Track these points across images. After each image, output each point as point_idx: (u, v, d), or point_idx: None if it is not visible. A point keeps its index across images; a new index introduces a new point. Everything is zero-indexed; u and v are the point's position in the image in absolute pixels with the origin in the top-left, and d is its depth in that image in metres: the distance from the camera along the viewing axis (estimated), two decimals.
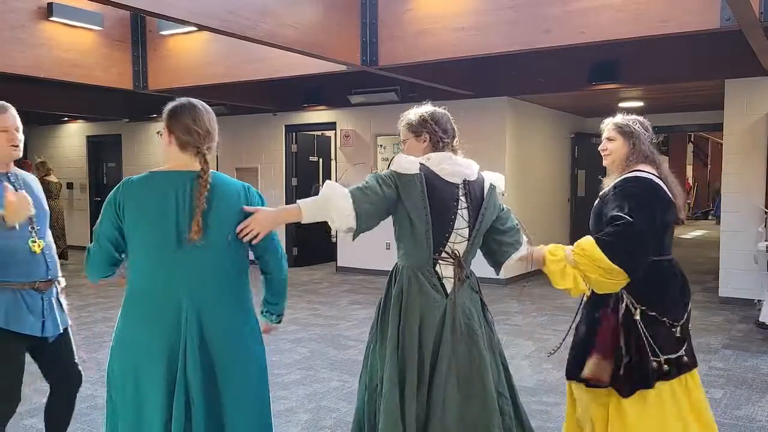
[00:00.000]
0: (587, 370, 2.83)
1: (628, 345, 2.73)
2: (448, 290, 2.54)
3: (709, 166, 21.91)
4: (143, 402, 2.24)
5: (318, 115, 10.30)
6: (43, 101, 9.88)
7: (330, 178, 11.13)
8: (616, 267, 2.58)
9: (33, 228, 2.78)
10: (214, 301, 2.30)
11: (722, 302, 7.57)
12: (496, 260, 2.77)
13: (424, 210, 2.47)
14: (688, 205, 21.24)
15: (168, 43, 7.19)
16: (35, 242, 2.75)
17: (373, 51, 5.94)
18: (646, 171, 2.74)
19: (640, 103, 9.60)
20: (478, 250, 2.73)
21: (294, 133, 10.65)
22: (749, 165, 7.39)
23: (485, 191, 2.63)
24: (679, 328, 2.75)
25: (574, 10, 5.10)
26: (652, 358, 2.70)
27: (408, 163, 2.52)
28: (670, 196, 2.74)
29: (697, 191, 22.71)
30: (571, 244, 2.82)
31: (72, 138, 13.55)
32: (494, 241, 2.70)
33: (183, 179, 2.31)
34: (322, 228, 11.27)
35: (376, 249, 9.79)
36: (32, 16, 6.14)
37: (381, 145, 10.25)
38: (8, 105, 2.78)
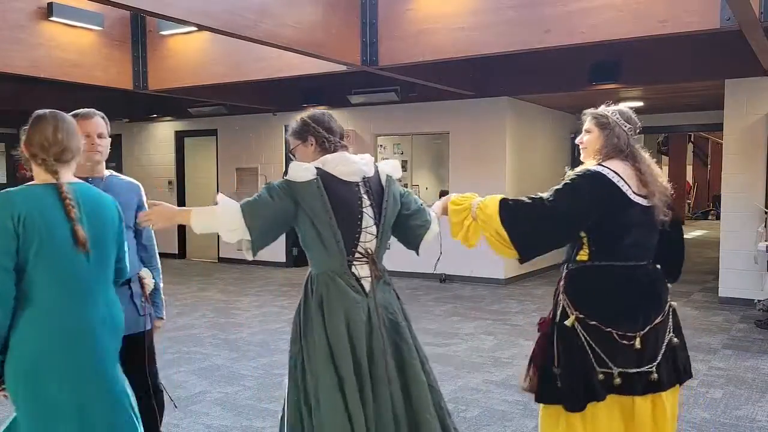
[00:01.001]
0: (527, 383, 2.68)
1: (559, 354, 2.52)
2: (367, 289, 2.55)
3: (709, 166, 21.89)
4: None
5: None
6: (43, 101, 9.81)
7: None
8: (505, 234, 2.46)
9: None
10: None
11: (722, 302, 7.57)
12: (411, 243, 2.74)
13: (327, 215, 2.45)
14: (688, 205, 21.40)
15: (168, 43, 7.19)
16: None
17: (373, 51, 5.94)
18: (609, 167, 2.53)
19: (640, 103, 9.58)
20: (393, 237, 2.75)
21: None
22: (749, 165, 7.39)
23: (383, 184, 2.62)
24: (637, 341, 2.48)
25: (574, 10, 5.10)
26: (598, 369, 2.47)
27: (302, 171, 2.49)
28: (632, 195, 2.51)
29: (697, 191, 22.70)
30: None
31: None
32: (404, 226, 2.70)
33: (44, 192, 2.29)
34: None
35: None
36: (32, 16, 6.13)
37: (381, 145, 10.25)
38: (95, 112, 2.81)
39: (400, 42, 5.84)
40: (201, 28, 5.16)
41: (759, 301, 6.83)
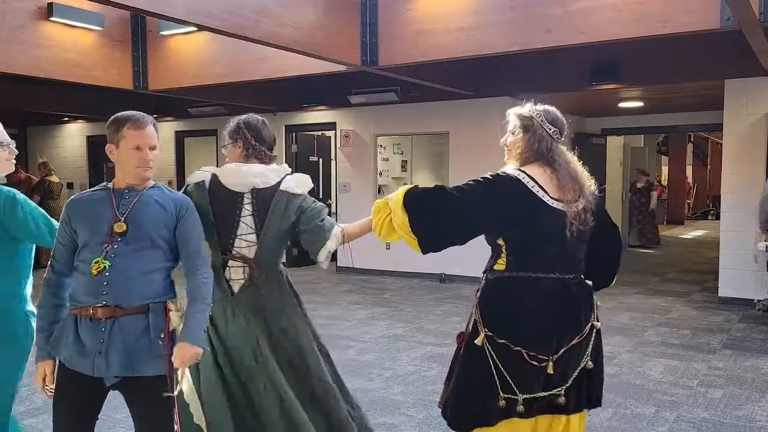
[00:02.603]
0: (440, 400, 2.53)
1: (466, 373, 2.40)
2: (235, 291, 2.72)
3: (708, 166, 21.89)
4: None
5: (318, 116, 10.30)
6: (43, 101, 9.88)
7: (330, 178, 11.17)
8: (408, 223, 2.32)
9: (110, 243, 2.28)
10: None
11: (722, 302, 7.57)
12: (311, 254, 2.79)
13: (208, 216, 2.65)
14: (688, 205, 21.41)
15: (168, 43, 7.19)
16: (98, 262, 2.25)
17: (373, 51, 5.94)
18: (527, 173, 2.39)
19: (640, 103, 9.60)
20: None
21: (294, 133, 10.65)
22: (749, 165, 7.39)
23: (275, 199, 2.72)
24: (549, 365, 2.32)
25: (574, 10, 5.10)
26: (502, 394, 2.32)
27: (199, 173, 2.78)
28: (549, 201, 2.35)
29: (697, 191, 22.70)
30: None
31: (72, 138, 13.55)
32: (303, 240, 2.79)
33: None
34: None
35: (376, 249, 9.79)
36: (32, 16, 6.13)
37: (381, 145, 10.26)
38: (146, 118, 2.37)
39: (400, 42, 5.84)
40: (201, 28, 5.16)
41: (759, 300, 6.83)
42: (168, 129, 12.18)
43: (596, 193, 2.54)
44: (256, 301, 2.71)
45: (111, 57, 6.97)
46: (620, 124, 11.33)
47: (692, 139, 21.09)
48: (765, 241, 6.89)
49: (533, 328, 2.34)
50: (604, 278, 2.66)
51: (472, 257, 9.75)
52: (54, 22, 6.27)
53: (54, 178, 10.76)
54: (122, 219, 2.30)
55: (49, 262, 2.40)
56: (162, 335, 2.29)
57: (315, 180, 10.98)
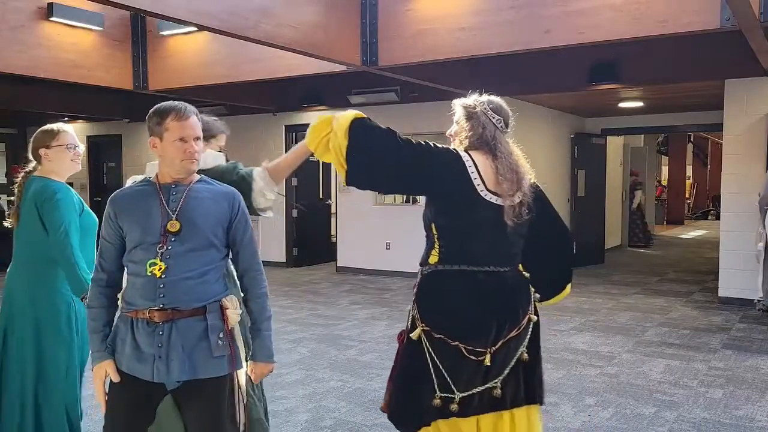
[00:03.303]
0: (384, 401, 2.47)
1: (405, 370, 2.35)
2: None
3: (709, 166, 21.90)
4: None
5: (318, 116, 10.29)
6: (43, 101, 9.87)
7: (330, 179, 11.16)
8: (344, 148, 2.23)
9: (164, 243, 2.19)
10: None
11: (722, 302, 7.57)
12: (251, 211, 2.66)
13: None
14: (688, 205, 21.41)
15: (168, 43, 7.19)
16: (155, 264, 2.17)
17: (373, 51, 5.94)
18: (471, 157, 2.36)
19: (640, 103, 9.60)
20: None
21: (294, 133, 10.65)
22: (749, 165, 7.39)
23: None
24: (487, 357, 2.27)
25: (574, 10, 5.10)
26: (438, 393, 2.26)
27: (149, 166, 2.85)
28: (484, 191, 2.29)
29: (697, 191, 22.71)
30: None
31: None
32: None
33: None
34: (323, 228, 11.29)
35: (376, 249, 9.80)
36: (32, 16, 6.13)
37: None
38: (190, 110, 2.26)
39: (400, 42, 5.84)
40: (201, 28, 5.16)
41: (758, 300, 6.83)
42: None
43: (535, 187, 2.49)
44: None
45: (111, 57, 6.97)
46: (620, 124, 11.33)
47: (692, 139, 21.11)
48: (765, 241, 6.89)
49: (470, 322, 2.30)
50: (556, 273, 2.58)
51: None
52: (54, 22, 6.27)
53: None
54: (174, 217, 2.20)
55: (96, 261, 2.32)
56: (221, 335, 2.21)
57: (315, 180, 11.09)
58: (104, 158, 13.19)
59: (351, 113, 2.30)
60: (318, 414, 4.20)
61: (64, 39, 6.46)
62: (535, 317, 2.43)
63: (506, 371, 2.32)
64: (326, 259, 10.91)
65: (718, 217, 11.58)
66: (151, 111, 2.27)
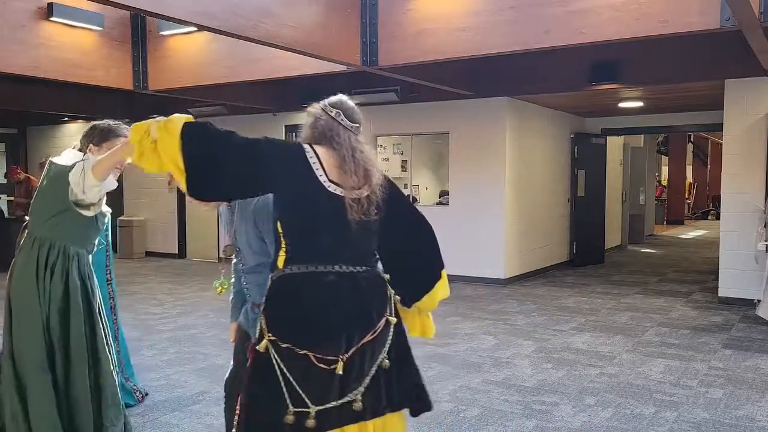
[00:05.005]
0: (234, 425, 2.29)
1: (253, 385, 2.17)
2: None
3: (709, 166, 21.91)
4: None
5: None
6: (43, 101, 9.88)
7: None
8: (178, 140, 2.06)
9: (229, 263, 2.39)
10: None
11: (722, 302, 7.57)
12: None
13: None
14: (687, 205, 21.42)
15: (168, 43, 7.19)
16: (222, 284, 2.38)
17: (373, 51, 5.94)
18: (312, 148, 2.27)
19: (640, 103, 9.60)
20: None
21: (294, 133, 10.65)
22: (749, 165, 7.39)
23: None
24: (339, 365, 2.12)
25: (574, 10, 5.10)
26: (291, 408, 2.10)
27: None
28: (326, 181, 2.19)
29: (697, 191, 22.71)
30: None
31: (72, 138, 13.51)
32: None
33: None
34: None
35: None
36: (32, 16, 6.13)
37: (381, 145, 10.25)
38: None
39: (400, 42, 5.84)
40: (201, 28, 5.16)
41: (758, 300, 6.83)
42: None
43: (388, 184, 2.34)
44: None
45: (111, 57, 6.97)
46: (620, 124, 11.34)
47: (692, 139, 21.11)
48: (765, 241, 6.90)
49: (318, 328, 2.15)
50: (419, 273, 2.41)
51: (472, 257, 9.76)
52: (54, 22, 6.27)
53: None
54: None
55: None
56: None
57: None
58: None
59: (180, 117, 2.14)
60: None
61: (64, 39, 6.46)
62: (394, 319, 2.29)
63: (366, 381, 2.17)
64: None
65: (718, 217, 11.58)
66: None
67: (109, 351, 3.22)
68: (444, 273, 2.42)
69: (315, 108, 2.36)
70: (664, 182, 20.79)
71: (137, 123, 2.18)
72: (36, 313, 3.00)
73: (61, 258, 3.08)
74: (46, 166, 3.21)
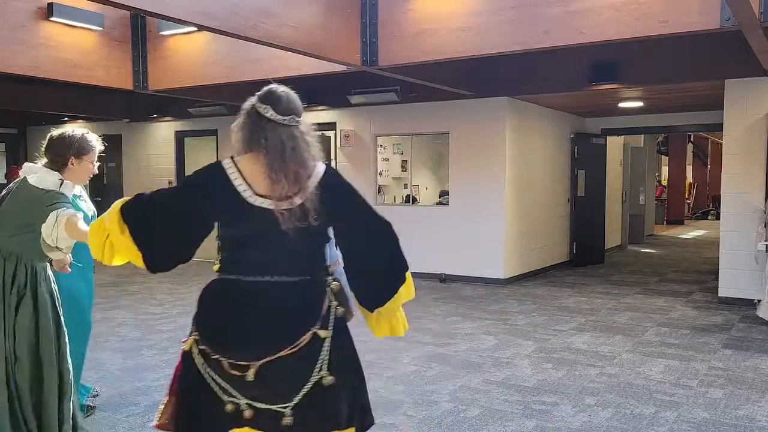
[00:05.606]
0: (156, 417, 2.25)
1: (181, 381, 2.18)
2: None
3: (709, 166, 21.91)
4: None
5: (318, 115, 10.31)
6: (43, 101, 9.89)
7: None
8: (121, 226, 2.09)
9: None
10: None
11: (722, 302, 7.57)
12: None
13: None
14: (687, 205, 21.41)
15: (168, 43, 7.19)
16: None
17: (373, 51, 5.94)
18: (235, 162, 2.14)
19: (640, 103, 9.60)
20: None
21: None
22: (749, 165, 7.39)
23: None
24: (250, 372, 2.04)
25: (574, 10, 5.10)
26: (226, 399, 2.09)
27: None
28: (251, 196, 2.08)
29: (697, 191, 22.72)
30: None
31: None
32: None
33: None
34: None
35: None
36: (32, 16, 6.13)
37: (381, 145, 10.25)
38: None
39: (400, 42, 5.84)
40: (201, 28, 5.16)
41: (759, 300, 6.83)
42: (168, 129, 12.18)
43: (334, 180, 2.19)
44: None
45: (111, 57, 6.97)
46: (620, 124, 11.34)
47: (692, 139, 21.11)
48: (765, 241, 6.90)
49: (231, 335, 2.09)
50: (377, 277, 2.22)
51: (472, 257, 9.75)
52: (54, 22, 6.27)
53: None
54: None
55: None
56: None
57: None
58: (104, 158, 13.15)
59: (116, 204, 2.14)
60: None
61: (64, 39, 6.46)
62: (325, 332, 2.10)
63: (298, 397, 2.06)
64: None
65: (718, 217, 11.58)
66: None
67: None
68: (408, 275, 2.24)
69: (245, 106, 2.18)
70: (664, 182, 20.79)
71: (94, 224, 2.22)
72: None
73: (30, 276, 3.02)
74: (19, 180, 3.11)
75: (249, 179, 2.09)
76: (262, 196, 2.07)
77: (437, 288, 8.77)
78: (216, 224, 2.18)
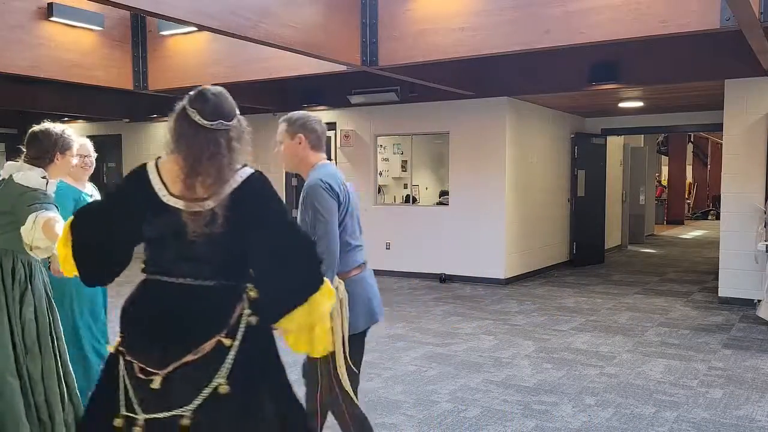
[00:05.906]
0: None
1: (101, 385, 2.15)
2: None
3: (709, 166, 21.91)
4: None
5: (318, 115, 10.29)
6: (43, 101, 9.88)
7: None
8: (66, 240, 2.20)
9: None
10: None
11: (722, 302, 7.57)
12: None
13: None
14: (687, 205, 21.42)
15: (168, 44, 7.19)
16: None
17: (373, 51, 5.94)
18: (157, 163, 2.19)
19: (640, 103, 9.60)
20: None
21: None
22: (749, 165, 7.39)
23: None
24: (157, 379, 1.98)
25: (574, 10, 5.10)
26: (122, 412, 2.03)
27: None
28: (166, 197, 2.08)
29: (697, 191, 22.72)
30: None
31: None
32: None
33: None
34: None
35: (376, 249, 9.78)
36: (32, 16, 6.13)
37: (381, 145, 10.25)
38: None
39: (400, 42, 5.84)
40: (201, 28, 5.16)
41: (759, 300, 6.83)
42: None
43: (257, 185, 2.13)
44: None
45: (111, 57, 6.97)
46: (620, 124, 11.34)
47: (692, 139, 21.11)
48: (765, 241, 6.90)
49: (139, 337, 2.07)
50: (288, 288, 2.09)
51: (472, 257, 9.74)
52: (54, 22, 6.27)
53: None
54: None
55: None
56: None
57: None
58: (104, 158, 13.18)
59: (69, 220, 2.23)
60: None
61: (64, 39, 6.46)
62: (230, 341, 2.03)
63: (197, 401, 1.99)
64: None
65: (718, 217, 11.59)
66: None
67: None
68: (315, 298, 2.08)
69: (177, 107, 2.17)
70: (664, 182, 20.79)
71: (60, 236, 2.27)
72: (3, 322, 2.98)
73: (27, 270, 3.07)
74: (5, 176, 3.11)
75: (166, 179, 2.10)
76: (175, 196, 2.07)
77: (437, 288, 8.77)
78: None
